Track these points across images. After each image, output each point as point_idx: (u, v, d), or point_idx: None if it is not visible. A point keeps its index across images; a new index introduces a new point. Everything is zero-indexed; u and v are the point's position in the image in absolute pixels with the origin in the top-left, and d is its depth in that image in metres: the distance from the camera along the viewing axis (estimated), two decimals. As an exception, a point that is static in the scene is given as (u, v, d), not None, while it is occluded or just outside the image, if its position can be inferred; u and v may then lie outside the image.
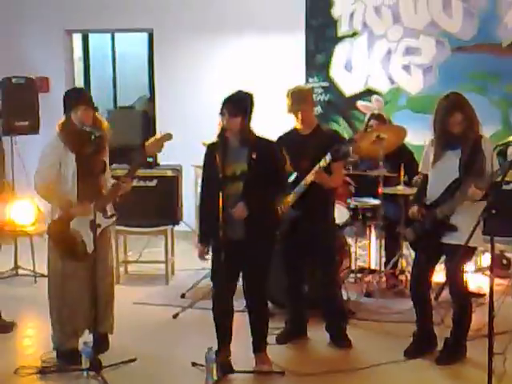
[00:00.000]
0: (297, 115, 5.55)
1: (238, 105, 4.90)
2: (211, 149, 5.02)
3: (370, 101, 8.71)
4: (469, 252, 5.14)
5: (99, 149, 5.17)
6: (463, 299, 5.24)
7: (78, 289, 5.18)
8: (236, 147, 4.95)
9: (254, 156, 4.89)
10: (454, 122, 5.03)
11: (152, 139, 5.26)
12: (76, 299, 5.19)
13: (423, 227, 5.22)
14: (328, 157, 5.31)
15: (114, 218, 5.31)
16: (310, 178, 5.38)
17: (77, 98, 5.26)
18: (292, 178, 5.44)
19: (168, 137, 5.28)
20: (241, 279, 5.15)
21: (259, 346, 5.16)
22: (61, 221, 5.13)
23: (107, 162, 5.29)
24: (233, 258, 4.91)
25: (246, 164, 4.90)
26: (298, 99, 5.51)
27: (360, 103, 8.74)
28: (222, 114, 4.91)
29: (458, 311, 5.26)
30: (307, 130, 5.56)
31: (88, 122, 5.10)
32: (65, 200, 5.09)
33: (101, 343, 5.32)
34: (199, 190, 8.48)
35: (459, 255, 5.00)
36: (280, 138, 5.60)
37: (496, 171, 4.85)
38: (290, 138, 5.58)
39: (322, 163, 5.34)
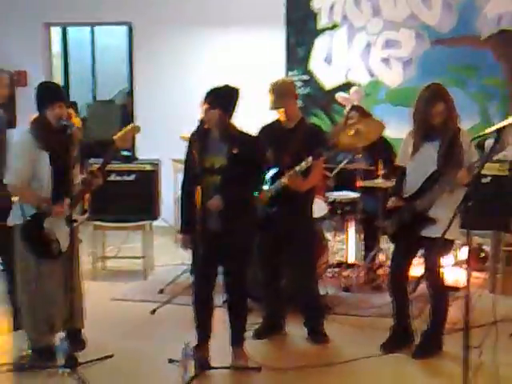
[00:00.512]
0: (280, 111, 5.51)
1: (218, 97, 4.88)
2: (195, 137, 4.98)
3: (348, 92, 8.68)
4: (447, 245, 5.14)
5: (72, 145, 5.11)
6: (440, 293, 5.24)
7: (54, 286, 5.13)
8: (216, 140, 4.93)
9: (234, 151, 4.87)
10: (435, 112, 5.03)
11: (120, 132, 5.21)
12: (52, 297, 5.13)
13: (402, 220, 5.21)
14: (309, 161, 5.25)
15: (86, 215, 5.27)
16: (284, 180, 5.33)
17: (54, 94, 5.17)
18: (273, 172, 5.41)
19: (135, 129, 5.25)
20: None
21: (237, 340, 5.15)
22: (35, 220, 5.04)
23: (77, 157, 5.22)
24: (211, 251, 4.88)
25: (225, 158, 4.88)
26: (281, 94, 5.45)
27: (339, 95, 8.71)
28: (203, 104, 4.90)
29: (435, 305, 5.26)
30: (291, 124, 5.50)
31: (64, 117, 5.06)
32: (42, 199, 5.01)
33: (77, 340, 5.30)
34: (179, 184, 8.55)
35: (437, 248, 5.00)
36: (262, 129, 5.57)
37: (474, 163, 4.85)
38: (272, 130, 5.53)
39: (299, 168, 5.27)
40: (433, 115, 5.05)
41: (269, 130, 5.56)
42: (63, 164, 5.02)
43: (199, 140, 4.92)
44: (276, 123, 5.57)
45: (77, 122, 5.24)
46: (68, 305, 5.08)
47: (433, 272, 5.19)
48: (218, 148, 4.92)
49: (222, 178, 4.88)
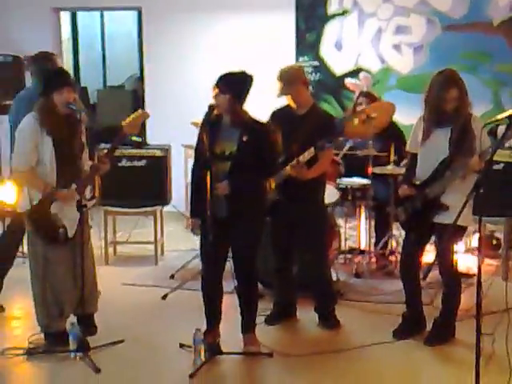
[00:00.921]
0: (289, 98, 5.48)
1: (229, 83, 4.85)
2: (206, 122, 4.94)
3: (358, 78, 8.64)
4: (459, 231, 5.12)
5: (78, 130, 5.10)
6: (453, 279, 5.23)
7: (62, 272, 5.14)
8: (227, 127, 4.91)
9: (244, 138, 4.84)
10: (449, 97, 4.99)
11: (128, 118, 5.20)
12: (61, 282, 5.14)
13: (414, 207, 5.19)
14: (311, 151, 5.22)
15: (95, 200, 5.29)
16: (287, 170, 5.30)
17: (63, 79, 5.16)
18: (282, 159, 5.38)
19: (144, 115, 5.24)
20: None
21: (248, 326, 5.15)
22: (41, 206, 5.03)
23: (85, 143, 5.22)
24: (220, 237, 4.87)
25: (235, 145, 4.86)
26: (288, 80, 5.41)
27: (348, 81, 8.68)
28: (213, 89, 4.87)
29: (447, 291, 5.25)
30: (302, 110, 5.45)
31: (72, 102, 5.05)
32: (47, 185, 5.00)
33: (88, 324, 5.32)
34: (190, 170, 8.54)
35: (450, 235, 4.99)
36: (273, 114, 5.54)
37: (487, 149, 4.83)
38: (283, 115, 5.48)
39: (302, 158, 5.24)
40: (446, 101, 5.02)
41: (279, 114, 5.51)
42: (69, 149, 5.04)
43: (210, 126, 4.89)
44: (287, 108, 5.53)
45: (82, 107, 5.19)
46: (78, 290, 5.11)
47: (445, 258, 5.17)
48: (229, 134, 4.89)
49: (232, 165, 4.86)
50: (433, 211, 5.11)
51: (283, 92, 5.44)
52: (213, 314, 5.14)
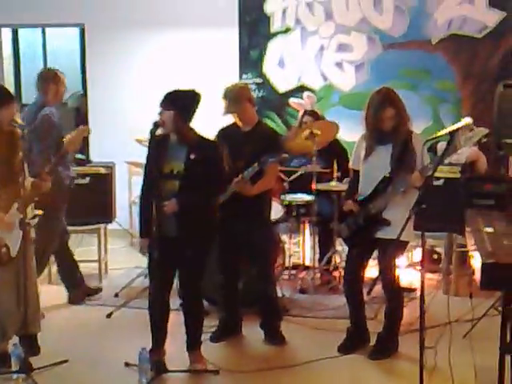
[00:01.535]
0: (235, 115, 5.51)
1: (174, 99, 4.83)
2: (154, 140, 4.92)
3: (301, 97, 8.72)
4: (401, 246, 5.20)
5: (19, 147, 5.00)
6: (395, 294, 5.30)
7: (6, 294, 5.05)
8: (174, 144, 4.89)
9: (192, 156, 4.83)
10: (385, 117, 5.08)
11: (69, 135, 5.18)
12: (4, 304, 5.06)
13: (356, 223, 5.26)
14: (255, 167, 5.26)
15: (37, 219, 5.22)
16: (232, 186, 5.33)
17: (9, 95, 5.11)
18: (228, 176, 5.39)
19: (84, 131, 5.23)
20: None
21: (193, 344, 5.13)
22: None
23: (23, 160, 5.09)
24: (167, 256, 4.86)
25: (183, 163, 4.84)
26: (233, 99, 5.45)
27: (292, 100, 8.75)
28: (159, 106, 4.87)
29: (389, 306, 5.32)
30: (247, 127, 5.50)
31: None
32: None
33: (31, 345, 5.24)
34: (134, 187, 8.51)
35: (392, 250, 5.07)
36: (219, 133, 5.57)
37: (427, 165, 4.92)
38: (229, 133, 5.52)
39: (246, 173, 5.29)
40: (383, 120, 5.10)
41: (225, 133, 5.55)
42: (11, 167, 4.95)
43: (157, 144, 4.88)
44: (232, 126, 5.58)
45: (20, 122, 5.12)
46: (22, 311, 5.03)
47: (387, 273, 5.24)
48: (177, 152, 4.87)
49: (180, 184, 4.84)
50: (375, 227, 5.18)
51: (229, 110, 5.47)
52: (159, 332, 5.10)
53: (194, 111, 4.88)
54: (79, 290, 6.59)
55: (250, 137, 5.45)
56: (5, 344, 5.12)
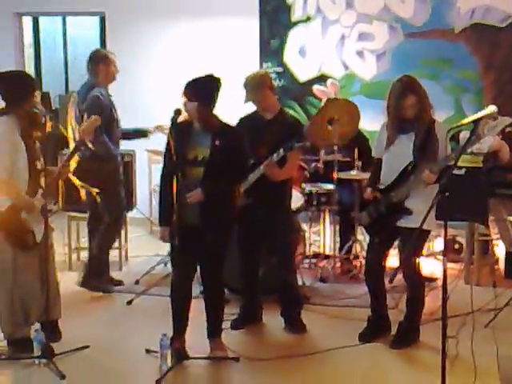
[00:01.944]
0: (255, 104, 5.49)
1: (196, 90, 4.80)
2: (177, 128, 4.91)
3: (325, 85, 8.69)
4: (423, 235, 5.17)
5: (44, 134, 5.08)
6: (417, 283, 5.27)
7: (31, 279, 5.09)
8: (199, 132, 4.87)
9: (217, 142, 4.81)
10: (407, 104, 5.05)
11: (83, 124, 5.24)
12: (28, 289, 5.09)
13: (378, 211, 5.23)
14: (281, 152, 5.25)
15: (57, 205, 5.32)
16: (261, 169, 5.32)
17: (34, 82, 5.19)
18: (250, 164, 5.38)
19: (95, 121, 5.28)
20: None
21: (214, 331, 5.14)
22: (12, 211, 4.95)
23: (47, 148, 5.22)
24: (189, 244, 4.86)
25: (208, 150, 4.83)
26: (254, 87, 5.44)
27: (316, 87, 8.72)
28: (182, 96, 4.85)
29: (411, 295, 5.30)
30: (269, 115, 5.49)
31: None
32: (22, 197, 4.96)
33: (53, 330, 5.27)
34: (154, 175, 8.52)
35: (414, 239, 5.04)
36: (241, 121, 5.56)
37: (450, 155, 4.89)
38: (251, 121, 5.51)
39: (275, 158, 5.28)
40: (405, 108, 5.07)
41: (247, 121, 5.54)
42: (36, 155, 5.02)
43: (180, 131, 4.87)
44: (255, 114, 5.57)
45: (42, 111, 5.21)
46: (44, 296, 5.06)
47: (408, 262, 5.21)
48: (201, 139, 4.85)
49: (205, 170, 4.82)
50: (396, 215, 5.15)
51: (250, 98, 5.46)
52: (181, 319, 5.11)
53: (217, 97, 4.86)
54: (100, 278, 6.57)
55: (273, 125, 5.44)
56: (27, 329, 5.15)
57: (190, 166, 4.84)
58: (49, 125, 5.14)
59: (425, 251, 7.02)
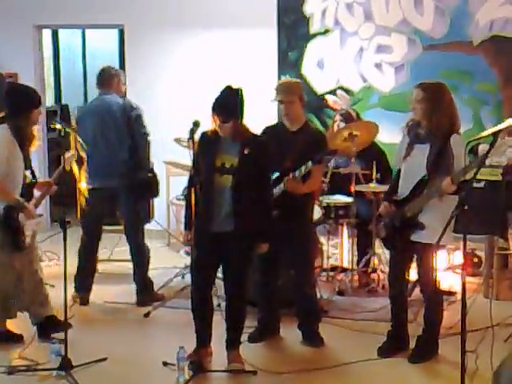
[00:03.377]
0: (281, 106, 5.48)
1: (227, 111, 4.85)
2: (204, 138, 4.98)
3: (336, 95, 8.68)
4: (437, 250, 5.14)
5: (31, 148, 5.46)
6: (434, 297, 5.24)
7: (11, 278, 5.38)
8: (227, 140, 4.92)
9: (246, 151, 4.87)
10: (413, 98, 5.05)
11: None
12: (9, 288, 5.39)
13: (393, 223, 5.21)
14: (309, 165, 5.24)
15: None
16: (283, 185, 5.32)
17: (36, 101, 5.42)
18: (274, 176, 5.38)
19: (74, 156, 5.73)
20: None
21: (233, 344, 5.13)
22: (13, 212, 5.24)
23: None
24: (214, 251, 4.91)
25: (237, 157, 4.88)
26: (283, 90, 5.45)
27: (330, 97, 8.70)
28: (213, 117, 4.88)
29: (429, 309, 5.27)
30: (295, 127, 5.47)
31: None
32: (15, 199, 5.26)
33: (54, 325, 5.51)
34: (172, 187, 8.54)
35: (428, 254, 5.03)
36: (265, 131, 5.54)
37: (459, 171, 4.82)
38: (275, 132, 5.50)
39: (298, 172, 5.26)
40: (412, 103, 5.08)
41: (272, 131, 5.52)
42: (29, 164, 5.40)
43: (208, 140, 4.94)
44: (279, 125, 5.57)
45: None
46: (25, 294, 5.43)
47: (425, 277, 5.20)
48: (230, 148, 4.91)
49: (235, 178, 4.86)
50: (410, 229, 5.12)
51: (276, 98, 5.45)
52: (204, 331, 5.14)
53: (244, 108, 4.91)
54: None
55: (298, 136, 5.42)
56: (4, 323, 5.48)
57: (217, 174, 4.88)
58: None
59: (444, 265, 7.02)
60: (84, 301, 6.37)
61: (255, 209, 4.88)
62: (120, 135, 6.40)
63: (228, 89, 4.89)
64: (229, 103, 4.87)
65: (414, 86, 5.13)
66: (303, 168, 5.25)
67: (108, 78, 6.63)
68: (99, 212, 6.50)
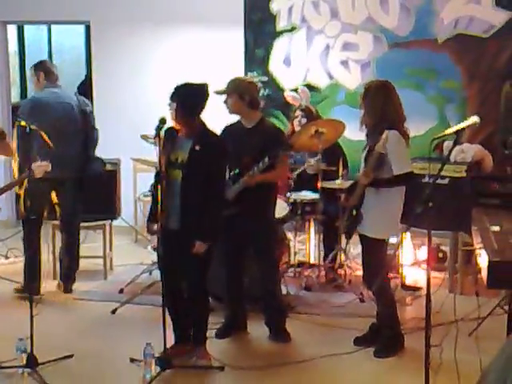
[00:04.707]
0: (234, 106, 5.49)
1: (177, 92, 4.95)
2: (166, 134, 5.05)
3: (296, 92, 8.70)
4: (377, 244, 5.17)
5: None
6: (378, 291, 5.27)
7: None
8: (183, 137, 5.01)
9: (196, 148, 4.90)
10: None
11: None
12: None
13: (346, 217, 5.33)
14: (266, 161, 5.26)
15: None
16: (243, 180, 5.34)
17: None
18: (234, 173, 5.41)
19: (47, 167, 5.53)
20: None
21: (198, 340, 5.15)
22: None
23: None
24: (173, 248, 4.92)
25: (187, 154, 4.92)
26: (229, 88, 5.48)
27: (289, 94, 8.72)
28: (170, 105, 5.01)
29: (378, 305, 5.34)
30: (250, 124, 5.51)
31: None
32: None
33: None
34: (139, 183, 8.53)
35: (366, 246, 5.15)
36: (225, 129, 5.59)
37: (368, 169, 4.99)
38: (233, 130, 5.55)
39: (257, 168, 5.29)
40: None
41: (230, 130, 5.58)
42: None
43: (169, 136, 5.01)
44: (238, 123, 5.59)
45: None
46: None
47: (366, 270, 5.28)
48: (183, 144, 4.98)
49: (183, 173, 4.91)
50: (354, 221, 5.19)
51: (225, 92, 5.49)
52: (176, 324, 5.18)
53: (201, 105, 4.96)
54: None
55: (253, 133, 5.46)
56: None
57: (171, 168, 4.95)
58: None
59: (409, 260, 7.09)
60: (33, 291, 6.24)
61: (201, 207, 4.89)
62: (75, 129, 6.52)
63: (189, 83, 4.99)
64: (182, 86, 4.97)
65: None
66: (260, 164, 5.27)
67: (54, 71, 6.65)
68: (43, 202, 6.52)
